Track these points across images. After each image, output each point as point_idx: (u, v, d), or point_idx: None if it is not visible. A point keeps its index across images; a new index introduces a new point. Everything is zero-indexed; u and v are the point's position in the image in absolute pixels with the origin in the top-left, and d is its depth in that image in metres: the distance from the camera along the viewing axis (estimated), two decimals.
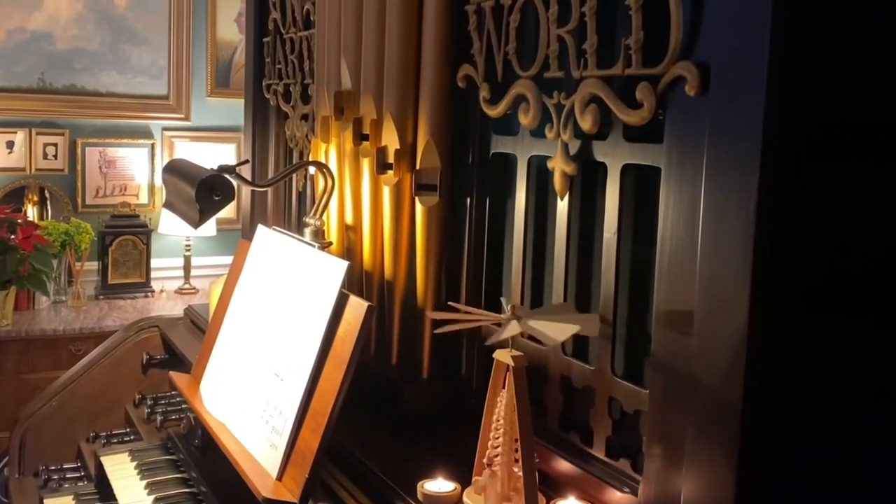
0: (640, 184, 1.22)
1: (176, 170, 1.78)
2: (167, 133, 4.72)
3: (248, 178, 2.36)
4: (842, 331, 1.06)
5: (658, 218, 1.13)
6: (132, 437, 2.22)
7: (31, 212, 4.45)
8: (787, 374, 1.02)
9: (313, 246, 1.61)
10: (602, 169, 1.26)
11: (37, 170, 4.46)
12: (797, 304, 1.02)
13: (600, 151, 1.26)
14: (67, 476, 2.22)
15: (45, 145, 4.47)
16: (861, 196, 1.05)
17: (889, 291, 1.09)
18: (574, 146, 1.29)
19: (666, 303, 1.12)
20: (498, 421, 1.19)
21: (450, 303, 1.36)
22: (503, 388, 1.18)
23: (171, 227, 4.44)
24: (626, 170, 1.22)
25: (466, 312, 1.26)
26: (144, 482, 1.83)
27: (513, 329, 1.15)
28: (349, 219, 1.81)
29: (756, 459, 1.01)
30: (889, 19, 1.04)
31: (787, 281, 1.00)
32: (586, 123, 1.24)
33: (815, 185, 1.01)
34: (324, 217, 1.75)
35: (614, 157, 1.23)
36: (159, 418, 2.09)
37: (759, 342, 0.98)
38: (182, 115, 4.73)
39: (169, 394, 2.23)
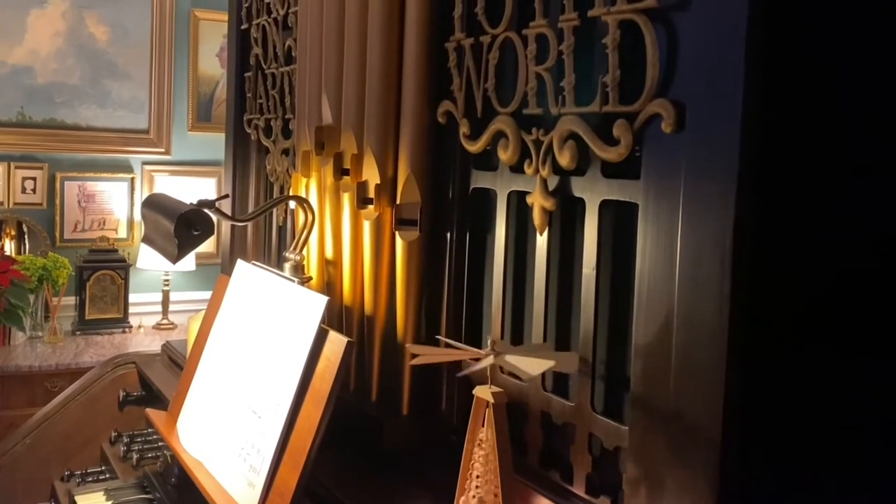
0: (619, 219, 1.23)
1: (155, 204, 1.78)
2: (147, 167, 4.70)
3: (228, 212, 2.35)
4: (819, 364, 1.07)
5: (636, 253, 1.14)
6: (108, 476, 2.18)
7: (9, 246, 4.40)
8: (765, 409, 1.02)
9: (293, 281, 1.61)
10: (581, 204, 1.27)
11: (15, 204, 4.43)
12: (775, 340, 1.02)
13: (578, 187, 1.27)
14: None
15: (24, 179, 4.44)
16: (838, 230, 1.07)
17: (867, 324, 1.10)
18: (553, 182, 1.30)
19: (645, 338, 1.12)
20: (478, 457, 1.18)
21: (438, 337, 1.35)
22: (483, 424, 1.17)
23: (149, 262, 4.41)
24: (605, 205, 1.23)
25: (447, 346, 1.25)
26: None
27: (488, 361, 1.15)
28: (329, 253, 1.81)
29: (736, 495, 1.00)
30: (861, 53, 1.06)
31: (765, 316, 1.01)
32: (564, 159, 1.25)
33: (791, 220, 1.03)
34: (304, 252, 1.74)
35: (592, 193, 1.24)
36: (135, 456, 2.05)
37: (737, 378, 0.99)
38: (163, 150, 4.73)
39: (145, 431, 2.20)
